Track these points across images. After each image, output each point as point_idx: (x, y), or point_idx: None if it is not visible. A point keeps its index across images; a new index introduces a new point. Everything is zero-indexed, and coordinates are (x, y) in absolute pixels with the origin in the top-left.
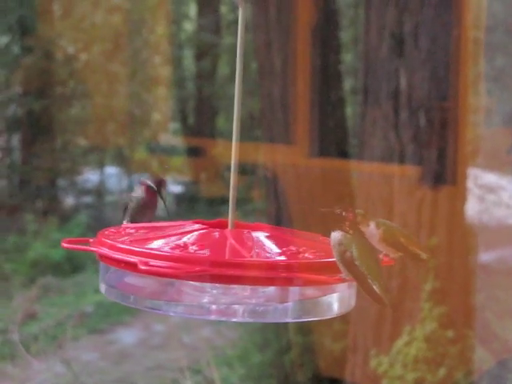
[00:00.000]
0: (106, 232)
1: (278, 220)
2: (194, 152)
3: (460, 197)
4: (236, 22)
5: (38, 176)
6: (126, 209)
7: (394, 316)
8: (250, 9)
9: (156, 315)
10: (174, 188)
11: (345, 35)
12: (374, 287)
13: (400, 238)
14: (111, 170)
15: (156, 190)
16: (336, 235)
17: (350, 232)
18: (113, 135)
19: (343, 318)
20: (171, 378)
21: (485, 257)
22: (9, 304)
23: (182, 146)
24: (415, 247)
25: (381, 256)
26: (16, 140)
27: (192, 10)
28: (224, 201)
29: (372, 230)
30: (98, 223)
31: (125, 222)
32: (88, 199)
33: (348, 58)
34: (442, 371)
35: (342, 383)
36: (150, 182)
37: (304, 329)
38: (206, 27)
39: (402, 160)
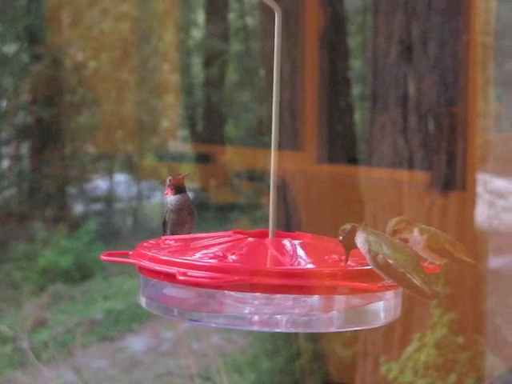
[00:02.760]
0: (145, 244)
1: (287, 226)
2: (202, 159)
3: (469, 202)
4: (244, 29)
5: (48, 184)
6: (164, 221)
7: (403, 322)
8: (257, 16)
9: (165, 322)
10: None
11: (353, 41)
12: (415, 281)
13: (445, 245)
14: (120, 177)
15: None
16: (360, 242)
17: (369, 232)
18: (122, 142)
19: None
20: None
21: (495, 262)
22: (19, 312)
23: (191, 152)
24: (461, 253)
25: (426, 264)
26: (25, 148)
27: (200, 17)
28: (233, 207)
29: (416, 236)
30: (107, 230)
31: (168, 233)
32: (97, 206)
33: (356, 64)
34: (452, 377)
35: None
36: (170, 182)
37: (314, 335)
38: (214, 34)
39: (411, 166)
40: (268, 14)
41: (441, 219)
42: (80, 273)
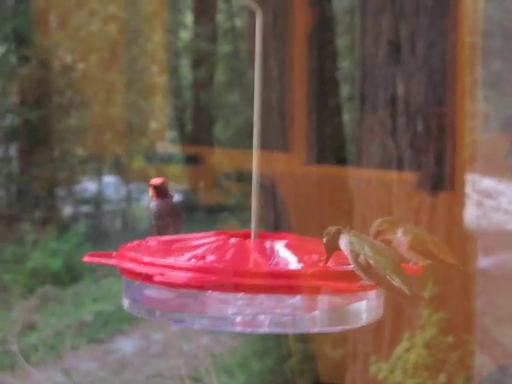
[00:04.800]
0: (128, 245)
1: (276, 227)
2: (191, 160)
3: (458, 202)
4: (232, 30)
5: (36, 186)
6: (152, 226)
7: (393, 322)
8: (245, 17)
9: (155, 324)
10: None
11: (341, 42)
12: (394, 283)
13: (429, 246)
14: (109, 179)
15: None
16: (344, 241)
17: (352, 235)
18: (110, 144)
19: None
20: None
21: (484, 262)
22: (8, 314)
23: (180, 154)
24: (445, 254)
25: (409, 264)
26: (13, 150)
27: (188, 18)
28: (222, 209)
29: (400, 237)
30: (97, 232)
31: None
32: (86, 208)
33: (345, 64)
34: (442, 377)
35: None
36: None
37: (304, 336)
38: (202, 35)
39: (399, 166)
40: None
41: (430, 219)
42: (69, 275)
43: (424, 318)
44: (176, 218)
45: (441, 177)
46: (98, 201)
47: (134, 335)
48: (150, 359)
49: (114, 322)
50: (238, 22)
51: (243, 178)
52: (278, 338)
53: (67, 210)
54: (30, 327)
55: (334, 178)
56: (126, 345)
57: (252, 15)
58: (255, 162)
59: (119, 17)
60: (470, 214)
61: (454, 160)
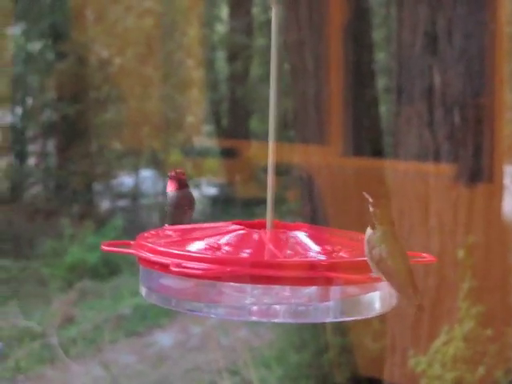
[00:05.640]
0: (145, 234)
1: (313, 220)
2: (228, 154)
3: (497, 194)
4: (268, 23)
5: (74, 180)
6: (166, 215)
7: (431, 316)
8: (281, 9)
9: (193, 317)
10: (209, 190)
11: (377, 34)
12: (403, 284)
13: None
14: (146, 173)
15: (177, 179)
16: (367, 232)
17: (379, 228)
18: (147, 138)
19: (381, 318)
20: (209, 379)
21: None
22: (47, 308)
23: (216, 148)
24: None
25: (422, 255)
26: (51, 145)
27: (224, 11)
28: (259, 202)
29: None
30: (134, 226)
31: (166, 225)
32: (123, 202)
33: (381, 56)
34: (481, 370)
35: (380, 383)
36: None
37: (342, 329)
38: (238, 29)
39: (437, 158)
40: (292, 7)
41: (468, 211)
42: (107, 269)
43: (462, 311)
44: (192, 208)
45: (479, 169)
46: (135, 195)
47: (172, 329)
48: (188, 352)
49: (153, 316)
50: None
51: (279, 170)
52: (316, 331)
53: (105, 205)
54: (69, 321)
55: (370, 171)
56: (164, 338)
57: (289, 8)
58: (271, 153)
59: (155, 11)
60: (509, 205)
61: (492, 151)
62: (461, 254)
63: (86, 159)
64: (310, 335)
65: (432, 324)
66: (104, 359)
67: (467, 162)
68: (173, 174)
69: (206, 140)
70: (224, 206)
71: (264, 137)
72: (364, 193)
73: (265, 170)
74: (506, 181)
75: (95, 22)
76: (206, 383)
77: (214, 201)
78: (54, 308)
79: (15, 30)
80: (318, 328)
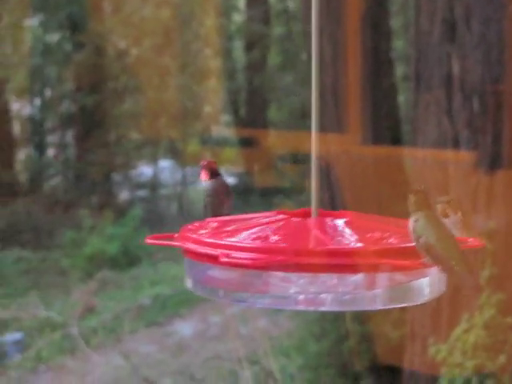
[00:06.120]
0: (190, 226)
1: (332, 207)
2: (246, 143)
3: None
4: (285, 11)
5: (93, 171)
6: (205, 205)
7: (451, 303)
8: None
9: (212, 307)
10: (228, 179)
11: (395, 21)
12: (457, 269)
13: None
14: (165, 163)
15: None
16: (410, 221)
17: (421, 215)
18: (165, 128)
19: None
20: (229, 368)
21: None
22: (68, 298)
23: (234, 137)
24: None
25: (470, 240)
26: (70, 136)
27: (241, 1)
28: (277, 191)
29: (459, 217)
30: (153, 216)
31: (209, 216)
32: (142, 193)
33: (399, 44)
34: (501, 358)
35: (400, 371)
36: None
37: (361, 317)
38: (255, 18)
39: (456, 145)
40: None
41: (487, 198)
42: (127, 259)
43: (483, 299)
44: (230, 196)
45: (498, 156)
46: (153, 185)
47: (192, 318)
48: (208, 342)
49: (172, 306)
50: (291, 4)
51: (298, 160)
52: (335, 320)
53: (124, 195)
54: (90, 311)
55: (389, 158)
56: (184, 328)
57: None
58: (314, 142)
59: (172, 1)
60: None
61: (511, 139)
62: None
63: (104, 150)
64: (329, 324)
65: (452, 312)
66: (124, 349)
67: (486, 149)
68: (204, 163)
69: (223, 129)
70: (243, 196)
71: (282, 125)
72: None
73: (282, 159)
74: None
75: (112, 13)
76: (226, 372)
77: (233, 190)
78: (74, 298)
79: (33, 22)
80: (337, 317)
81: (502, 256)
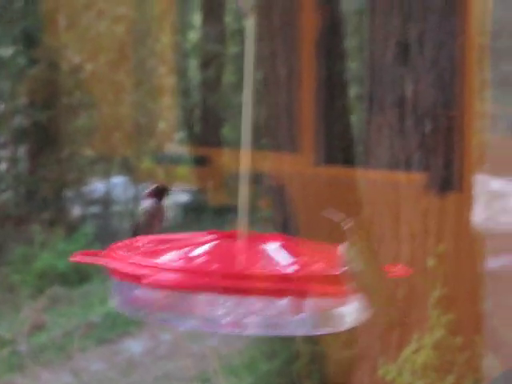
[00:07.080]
0: (118, 244)
1: (285, 229)
2: (200, 161)
3: (467, 203)
4: (241, 31)
5: (45, 187)
6: (137, 224)
7: (401, 324)
8: (254, 19)
9: (163, 325)
10: (181, 197)
11: (350, 43)
12: (377, 299)
13: None
14: (118, 180)
15: (158, 201)
16: (341, 247)
17: (353, 244)
18: (119, 145)
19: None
20: None
21: (492, 263)
22: (17, 315)
23: (188, 155)
24: None
25: (399, 267)
26: (22, 151)
27: (197, 19)
28: (230, 210)
29: None
30: (105, 233)
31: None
32: (95, 209)
33: (353, 65)
34: (450, 378)
35: None
36: (149, 191)
37: (312, 338)
38: (210, 36)
39: (408, 167)
40: (264, 16)
41: (438, 220)
42: (78, 276)
43: (433, 319)
44: (162, 219)
45: (449, 178)
46: (106, 201)
47: (142, 336)
48: (158, 360)
49: (122, 323)
50: (246, 23)
51: (251, 178)
52: (286, 340)
53: (76, 211)
54: (39, 328)
55: (342, 179)
56: (134, 345)
57: (260, 16)
58: (244, 162)
59: (128, 17)
60: (479, 215)
61: (462, 161)
62: (431, 262)
63: (57, 165)
64: (280, 344)
65: (402, 332)
66: (74, 366)
67: (438, 172)
68: (159, 186)
69: (177, 147)
70: (195, 214)
71: (236, 144)
72: (327, 212)
73: (236, 178)
74: (476, 190)
75: (67, 28)
76: None
77: (186, 208)
78: (24, 315)
79: None
80: (288, 337)
81: (452, 277)
